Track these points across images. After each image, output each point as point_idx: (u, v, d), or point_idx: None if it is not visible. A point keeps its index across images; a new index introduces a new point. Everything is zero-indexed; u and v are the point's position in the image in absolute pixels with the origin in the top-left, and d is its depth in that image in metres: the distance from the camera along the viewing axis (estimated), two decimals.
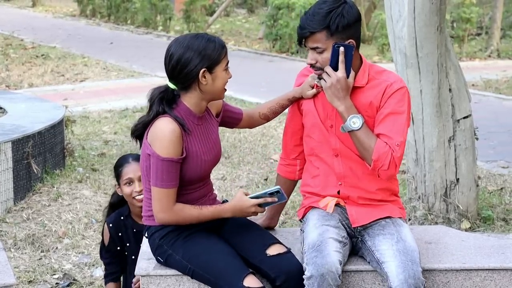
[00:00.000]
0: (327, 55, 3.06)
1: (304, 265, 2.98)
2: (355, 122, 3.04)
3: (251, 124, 3.45)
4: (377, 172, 3.07)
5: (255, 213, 3.11)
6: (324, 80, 3.08)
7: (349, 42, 3.06)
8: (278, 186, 3.08)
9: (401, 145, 3.05)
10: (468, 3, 14.40)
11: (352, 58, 3.07)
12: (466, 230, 4.75)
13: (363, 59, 3.19)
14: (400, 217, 3.23)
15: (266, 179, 6.22)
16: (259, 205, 3.08)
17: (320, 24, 3.03)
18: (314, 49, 3.09)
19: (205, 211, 3.07)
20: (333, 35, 3.04)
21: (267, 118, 3.43)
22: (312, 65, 3.13)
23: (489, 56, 13.94)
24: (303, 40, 3.11)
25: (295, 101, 3.33)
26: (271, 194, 3.08)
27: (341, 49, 3.03)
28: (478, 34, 15.90)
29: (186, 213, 3.04)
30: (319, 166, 3.25)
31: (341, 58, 3.04)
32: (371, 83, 3.15)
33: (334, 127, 3.18)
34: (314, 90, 3.22)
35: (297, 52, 14.22)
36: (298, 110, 3.34)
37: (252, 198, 3.08)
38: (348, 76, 3.07)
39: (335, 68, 3.05)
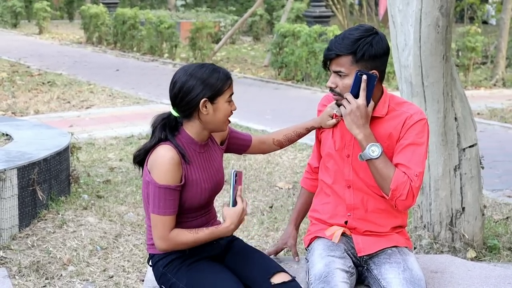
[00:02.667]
0: (349, 81, 3.06)
1: None
2: (374, 150, 3.02)
3: (263, 150, 3.44)
4: (394, 202, 3.04)
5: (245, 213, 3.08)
6: (344, 106, 3.06)
7: (372, 72, 3.05)
8: (233, 170, 3.06)
9: (419, 176, 3.03)
10: (474, 32, 14.45)
11: (373, 88, 3.06)
12: (472, 259, 4.72)
13: (384, 90, 3.18)
14: (406, 247, 3.22)
15: (271, 207, 6.20)
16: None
17: (347, 48, 3.03)
18: (336, 72, 3.08)
19: (201, 234, 3.04)
20: (357, 62, 3.04)
21: (281, 145, 3.42)
22: (331, 89, 3.13)
23: (495, 85, 13.94)
24: (328, 63, 3.11)
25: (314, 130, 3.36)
26: (235, 183, 3.05)
27: (364, 77, 3.02)
28: (484, 63, 15.92)
29: (181, 238, 3.01)
30: (330, 194, 3.25)
31: (362, 86, 3.03)
32: (391, 114, 3.14)
33: (350, 157, 3.17)
34: (334, 120, 3.23)
35: (303, 80, 14.25)
36: (317, 138, 3.37)
37: (233, 205, 3.05)
38: (367, 105, 3.06)
39: (356, 96, 3.04)
